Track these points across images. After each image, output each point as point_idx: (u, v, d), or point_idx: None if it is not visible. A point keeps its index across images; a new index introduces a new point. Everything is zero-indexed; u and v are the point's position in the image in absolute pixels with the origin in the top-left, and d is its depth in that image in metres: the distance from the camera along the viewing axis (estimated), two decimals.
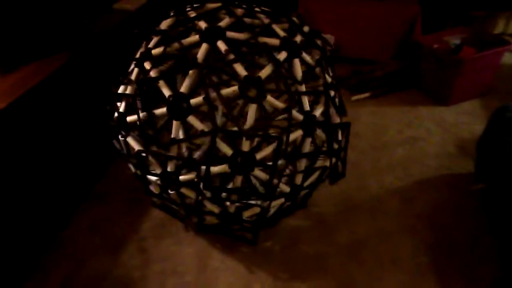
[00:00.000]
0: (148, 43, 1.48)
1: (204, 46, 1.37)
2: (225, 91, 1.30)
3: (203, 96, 1.30)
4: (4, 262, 1.53)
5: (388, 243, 1.71)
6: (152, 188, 1.55)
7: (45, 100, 1.63)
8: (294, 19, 1.55)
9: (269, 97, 1.32)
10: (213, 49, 1.37)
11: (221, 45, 1.36)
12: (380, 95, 2.70)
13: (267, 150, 1.37)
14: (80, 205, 1.91)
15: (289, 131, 1.35)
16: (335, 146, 1.56)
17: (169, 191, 1.45)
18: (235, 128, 1.32)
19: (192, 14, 1.48)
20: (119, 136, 1.48)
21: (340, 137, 1.60)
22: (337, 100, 1.59)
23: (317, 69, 1.50)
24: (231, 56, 1.33)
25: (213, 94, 1.31)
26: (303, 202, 1.69)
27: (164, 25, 1.50)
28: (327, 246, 1.70)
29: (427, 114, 2.51)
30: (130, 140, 1.45)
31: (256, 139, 1.52)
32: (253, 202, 1.47)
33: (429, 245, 1.69)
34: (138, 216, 1.85)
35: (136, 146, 1.44)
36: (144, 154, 1.42)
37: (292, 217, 1.82)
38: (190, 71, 1.34)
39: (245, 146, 1.34)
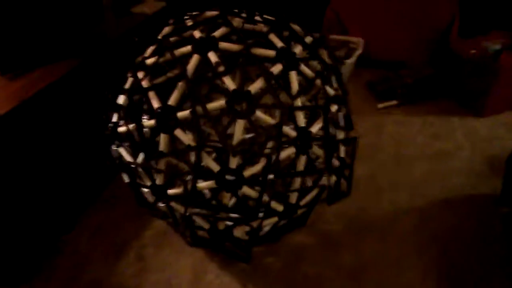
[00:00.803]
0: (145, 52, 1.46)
1: (195, 57, 1.32)
2: (211, 105, 1.25)
3: (190, 110, 1.26)
4: (6, 263, 1.57)
5: (396, 267, 1.59)
6: (148, 197, 1.53)
7: (52, 104, 1.65)
8: (296, 28, 1.46)
9: (259, 113, 1.26)
10: (205, 60, 1.33)
11: (212, 57, 1.31)
12: (408, 103, 2.54)
13: (256, 168, 1.30)
14: (86, 209, 1.94)
15: (279, 149, 1.28)
16: (336, 163, 1.46)
17: (159, 204, 1.42)
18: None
19: (190, 23, 1.44)
20: (113, 146, 1.47)
21: (343, 154, 1.50)
22: (340, 114, 1.49)
23: (318, 81, 1.41)
24: (221, 68, 1.28)
25: (200, 108, 1.26)
26: (302, 221, 1.61)
27: (163, 33, 1.48)
28: (329, 267, 1.60)
29: (458, 126, 2.33)
30: (122, 150, 1.43)
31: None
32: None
33: (441, 272, 1.55)
34: (142, 223, 1.85)
35: (127, 157, 1.42)
36: (133, 166, 1.40)
37: (298, 234, 1.74)
38: (179, 83, 1.30)
39: (233, 163, 1.28)
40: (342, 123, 1.49)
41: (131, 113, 1.39)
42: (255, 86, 1.27)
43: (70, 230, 1.84)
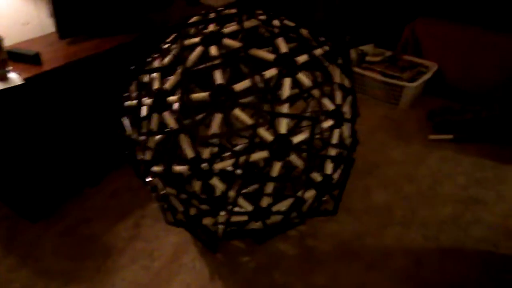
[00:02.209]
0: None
1: (198, 49, 1.40)
2: (196, 96, 1.31)
3: (179, 96, 1.34)
4: (32, 200, 1.82)
5: None
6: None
7: (95, 70, 1.85)
8: (306, 35, 1.46)
9: (237, 111, 1.29)
10: (207, 53, 1.40)
11: (213, 50, 1.37)
12: (464, 141, 2.32)
13: (227, 162, 1.34)
14: (115, 170, 2.14)
15: (251, 150, 1.30)
16: (318, 178, 1.43)
17: (147, 178, 1.54)
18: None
19: (212, 16, 1.52)
20: (123, 118, 1.61)
21: (329, 171, 1.46)
22: (336, 130, 1.44)
23: (315, 92, 1.39)
24: (216, 62, 1.34)
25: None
26: (281, 228, 1.59)
27: (189, 22, 1.58)
28: (300, 282, 1.57)
29: (510, 177, 2.07)
30: (126, 123, 1.57)
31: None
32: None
33: None
34: (151, 195, 1.99)
35: (129, 130, 1.56)
36: (131, 138, 1.53)
37: (282, 242, 1.73)
38: (178, 70, 1.39)
39: (205, 153, 1.33)
40: (335, 140, 1.44)
41: (140, 90, 1.51)
42: (241, 85, 1.30)
43: (94, 185, 2.05)
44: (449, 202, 1.93)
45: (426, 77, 2.58)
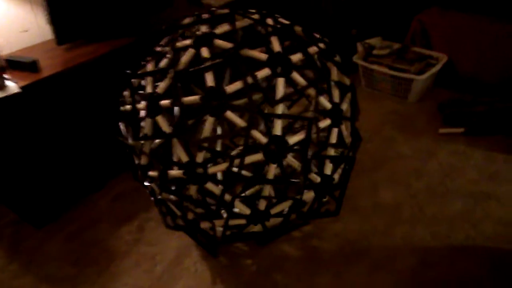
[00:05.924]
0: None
1: (190, 51, 1.37)
2: (187, 99, 1.29)
3: (171, 100, 1.32)
4: (37, 206, 1.83)
5: None
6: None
7: (92, 75, 1.85)
8: (300, 33, 1.42)
9: (229, 113, 1.26)
10: (199, 55, 1.37)
11: (204, 52, 1.34)
12: (476, 134, 2.24)
13: (221, 166, 1.31)
14: (118, 175, 2.14)
15: (245, 153, 1.27)
16: (317, 179, 1.39)
17: (145, 183, 1.53)
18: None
19: (205, 17, 1.49)
20: (120, 123, 1.60)
21: (329, 171, 1.42)
22: (335, 130, 1.40)
23: (311, 91, 1.35)
24: (207, 64, 1.31)
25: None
26: (282, 230, 1.56)
27: (183, 23, 1.55)
28: (303, 283, 1.54)
29: None
30: (122, 128, 1.56)
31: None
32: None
33: None
34: None
35: (125, 134, 1.55)
36: (126, 143, 1.52)
37: (285, 244, 1.70)
38: (169, 74, 1.37)
39: (199, 157, 1.31)
40: (334, 139, 1.40)
41: (133, 95, 1.50)
42: (233, 87, 1.27)
43: (98, 189, 2.06)
44: (460, 197, 1.86)
45: (435, 69, 2.50)
